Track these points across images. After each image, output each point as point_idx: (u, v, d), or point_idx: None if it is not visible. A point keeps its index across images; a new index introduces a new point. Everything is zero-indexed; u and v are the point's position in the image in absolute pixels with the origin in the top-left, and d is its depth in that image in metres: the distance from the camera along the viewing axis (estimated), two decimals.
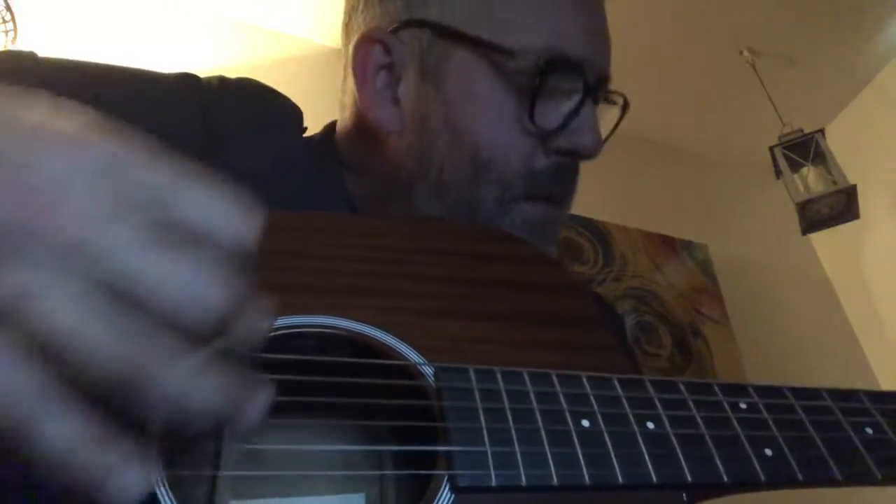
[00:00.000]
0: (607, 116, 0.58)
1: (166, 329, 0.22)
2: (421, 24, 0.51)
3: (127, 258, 0.22)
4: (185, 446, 0.24)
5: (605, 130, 0.57)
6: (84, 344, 0.21)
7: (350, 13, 0.57)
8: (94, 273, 0.21)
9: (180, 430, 0.23)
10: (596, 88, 0.52)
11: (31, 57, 0.47)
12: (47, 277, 0.21)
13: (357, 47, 0.53)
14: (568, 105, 0.50)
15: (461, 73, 0.50)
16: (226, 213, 0.24)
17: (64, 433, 0.20)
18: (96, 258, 0.21)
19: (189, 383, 0.22)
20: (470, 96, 0.50)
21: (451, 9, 0.51)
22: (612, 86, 0.57)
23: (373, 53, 0.52)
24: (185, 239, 0.23)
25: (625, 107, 0.57)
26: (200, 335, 0.23)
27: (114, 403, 0.21)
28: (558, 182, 0.52)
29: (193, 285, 0.22)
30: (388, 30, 0.52)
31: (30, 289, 0.20)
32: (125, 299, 0.22)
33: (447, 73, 0.51)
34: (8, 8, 1.55)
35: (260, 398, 0.25)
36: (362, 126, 0.55)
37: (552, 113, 0.50)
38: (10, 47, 1.56)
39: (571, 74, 0.49)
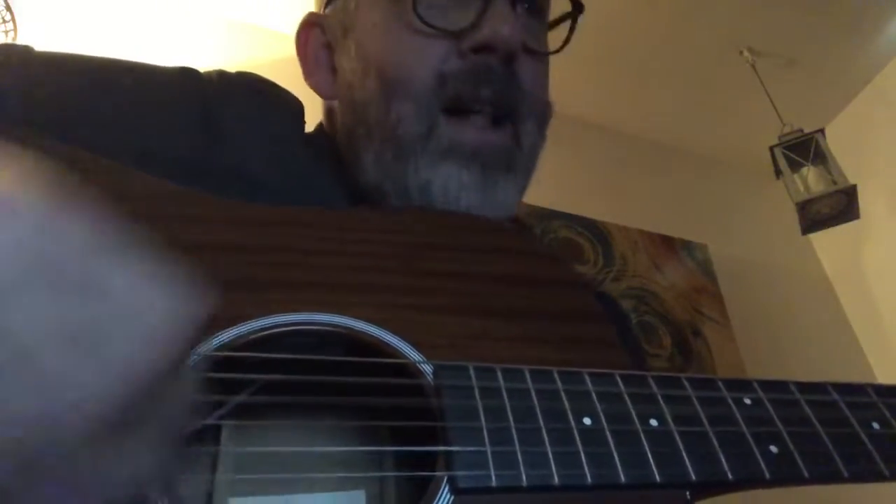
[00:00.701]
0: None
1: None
2: None
3: (29, 337, 0.19)
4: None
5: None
6: None
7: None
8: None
9: None
10: None
11: (26, 50, 0.46)
12: None
13: (297, 34, 0.57)
14: (478, 6, 0.48)
15: (366, 13, 0.52)
16: (161, 299, 0.22)
17: None
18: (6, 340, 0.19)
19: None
20: (373, 27, 0.51)
21: None
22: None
23: (312, 36, 0.57)
24: (107, 311, 0.21)
25: (576, 7, 0.54)
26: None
27: None
28: (478, 82, 0.48)
29: (114, 383, 0.20)
30: (321, 11, 0.56)
31: None
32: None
33: (357, 20, 0.53)
34: (8, 8, 1.55)
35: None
36: (325, 109, 0.58)
37: (463, 17, 0.48)
38: None
39: None
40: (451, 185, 0.47)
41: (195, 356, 0.32)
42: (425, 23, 0.48)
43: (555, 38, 0.56)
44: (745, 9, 2.09)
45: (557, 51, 0.54)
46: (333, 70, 0.55)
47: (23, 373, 0.19)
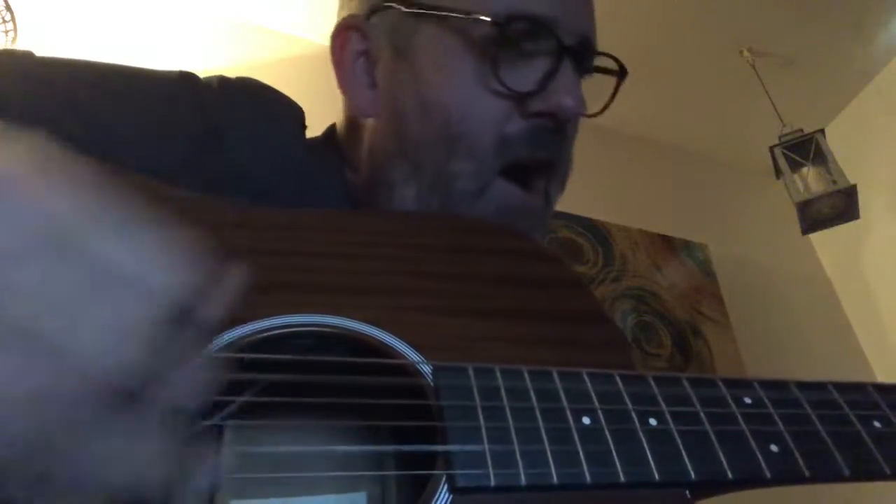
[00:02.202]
0: (605, 90, 0.56)
1: (94, 393, 0.20)
2: (389, 5, 0.52)
3: (36, 317, 0.20)
4: None
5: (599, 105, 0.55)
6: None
7: (338, 12, 0.58)
8: (17, 323, 0.20)
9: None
10: (578, 52, 0.51)
11: (27, 55, 0.46)
12: None
13: (334, 37, 0.54)
14: (545, 67, 0.49)
15: (428, 46, 0.51)
16: (162, 269, 0.23)
17: None
18: (7, 315, 0.20)
19: (122, 456, 0.20)
20: (438, 67, 0.50)
21: None
22: (610, 83, 0.56)
23: (350, 41, 0.53)
24: (112, 289, 0.21)
25: (621, 72, 0.56)
26: (130, 392, 0.21)
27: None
28: (537, 146, 0.50)
29: (116, 346, 0.21)
30: (363, 16, 0.53)
31: None
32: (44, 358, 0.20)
33: (416, 48, 0.51)
34: (8, 8, 1.55)
35: (203, 467, 0.23)
36: (351, 116, 0.56)
37: (529, 76, 0.49)
38: (10, 47, 1.55)
39: (543, 34, 0.49)
40: None
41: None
42: (506, 87, 0.48)
43: None
44: (745, 9, 2.09)
45: (597, 114, 0.54)
46: (372, 84, 0.53)
47: (23, 348, 0.19)
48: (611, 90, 0.56)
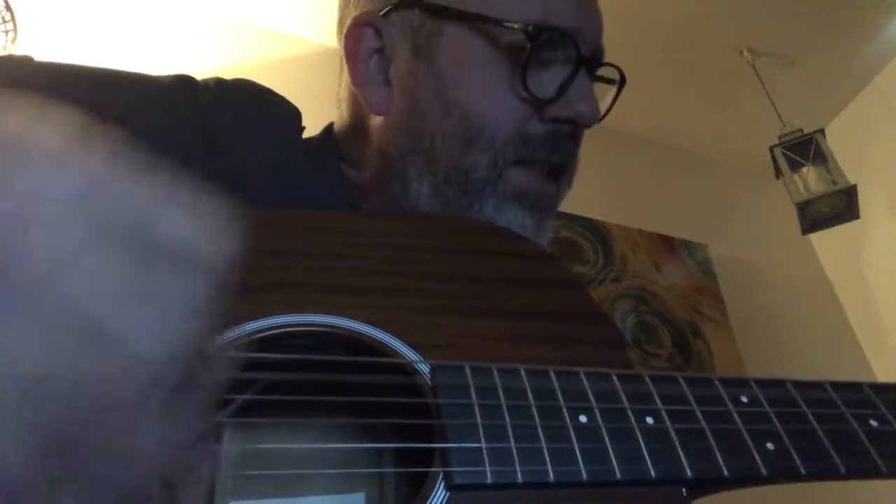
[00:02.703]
0: (605, 99, 0.57)
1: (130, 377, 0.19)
2: (410, 4, 0.52)
3: (91, 299, 0.19)
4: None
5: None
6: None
7: (343, 7, 0.58)
8: (55, 312, 0.19)
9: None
10: (591, 61, 0.53)
11: (27, 61, 0.46)
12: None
13: (349, 33, 0.54)
14: (562, 75, 0.51)
15: (452, 47, 0.51)
16: (209, 233, 0.22)
17: None
18: (60, 296, 0.19)
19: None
20: (462, 67, 0.51)
21: None
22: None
23: (364, 37, 0.54)
24: (163, 265, 0.21)
25: (621, 82, 0.57)
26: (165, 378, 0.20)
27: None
28: (554, 149, 0.52)
29: (162, 332, 0.20)
30: (379, 14, 0.53)
31: None
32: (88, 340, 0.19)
33: (438, 48, 0.51)
34: (8, 8, 1.55)
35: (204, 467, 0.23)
36: (357, 114, 0.56)
37: (547, 83, 0.50)
38: (10, 47, 1.56)
39: (564, 44, 0.50)
40: (513, 226, 0.50)
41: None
42: (530, 93, 0.49)
43: None
44: (745, 9, 2.09)
45: (598, 120, 0.55)
46: (386, 82, 0.53)
47: (83, 338, 0.19)
48: (608, 92, 0.57)
